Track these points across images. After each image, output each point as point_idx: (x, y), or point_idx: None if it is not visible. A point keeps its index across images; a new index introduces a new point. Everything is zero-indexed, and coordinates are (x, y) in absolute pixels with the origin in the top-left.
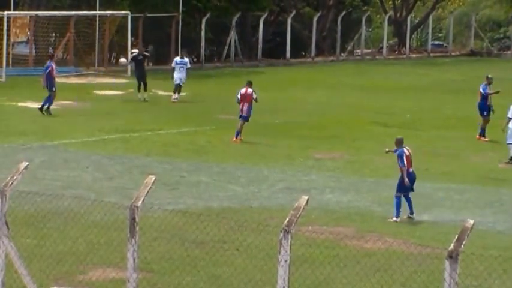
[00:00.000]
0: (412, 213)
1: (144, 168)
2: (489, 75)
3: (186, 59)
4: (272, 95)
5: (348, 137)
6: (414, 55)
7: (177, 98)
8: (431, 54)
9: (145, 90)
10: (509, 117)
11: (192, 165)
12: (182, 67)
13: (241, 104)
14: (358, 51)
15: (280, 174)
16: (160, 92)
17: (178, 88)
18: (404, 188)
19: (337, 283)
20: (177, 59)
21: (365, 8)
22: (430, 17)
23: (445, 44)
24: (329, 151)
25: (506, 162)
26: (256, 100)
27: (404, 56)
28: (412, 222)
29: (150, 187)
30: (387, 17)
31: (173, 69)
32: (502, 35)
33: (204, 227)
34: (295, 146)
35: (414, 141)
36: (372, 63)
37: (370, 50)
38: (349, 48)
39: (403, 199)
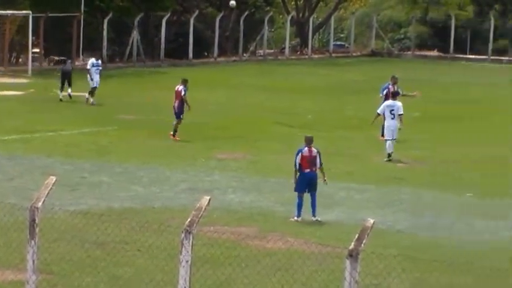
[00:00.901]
0: (313, 215)
1: (45, 168)
2: (395, 75)
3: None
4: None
5: (250, 138)
6: (316, 55)
7: (93, 102)
8: (333, 55)
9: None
10: (378, 113)
11: (94, 166)
12: (98, 69)
13: (174, 101)
14: (260, 51)
15: (182, 175)
16: (63, 93)
17: (94, 91)
18: (300, 188)
19: (238, 283)
20: (93, 60)
21: (268, 8)
22: (332, 18)
23: (346, 45)
24: (232, 151)
25: (386, 160)
26: (185, 99)
27: (307, 56)
28: (314, 222)
29: (51, 188)
30: (289, 18)
31: (89, 71)
32: (402, 36)
33: (105, 228)
34: (198, 146)
35: (316, 141)
36: (274, 64)
37: (272, 51)
38: (251, 48)
39: (309, 199)
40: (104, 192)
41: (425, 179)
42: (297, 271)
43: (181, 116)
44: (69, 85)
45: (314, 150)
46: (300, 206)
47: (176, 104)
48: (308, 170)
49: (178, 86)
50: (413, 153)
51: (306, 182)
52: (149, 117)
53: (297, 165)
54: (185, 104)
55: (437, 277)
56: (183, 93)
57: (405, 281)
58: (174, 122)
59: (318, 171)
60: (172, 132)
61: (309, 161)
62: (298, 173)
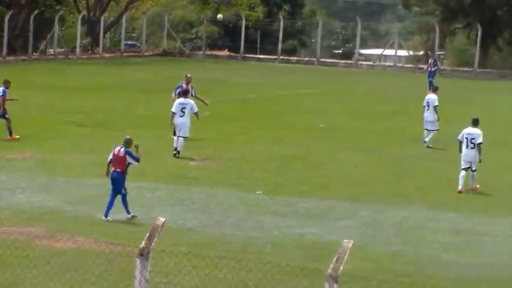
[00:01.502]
0: (106, 215)
1: None
2: (188, 74)
3: None
4: None
5: (40, 137)
6: (108, 55)
7: None
8: (125, 54)
9: None
10: (173, 112)
11: None
12: None
13: None
14: (51, 50)
15: None
16: None
17: None
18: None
19: (26, 284)
20: None
21: (58, 7)
22: (124, 17)
23: (138, 44)
24: (21, 151)
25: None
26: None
27: (98, 55)
28: (105, 221)
29: None
30: (80, 17)
31: None
32: (194, 36)
33: None
34: None
35: (107, 140)
36: (65, 63)
37: (63, 50)
38: (41, 47)
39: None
40: None
41: (216, 177)
42: (87, 271)
43: (6, 116)
44: None
45: (122, 151)
46: (109, 204)
47: None
48: (112, 169)
49: None
50: (204, 151)
51: (112, 182)
52: None
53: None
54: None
55: (226, 273)
56: (1, 93)
57: (195, 278)
58: (5, 123)
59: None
60: (9, 135)
61: (115, 161)
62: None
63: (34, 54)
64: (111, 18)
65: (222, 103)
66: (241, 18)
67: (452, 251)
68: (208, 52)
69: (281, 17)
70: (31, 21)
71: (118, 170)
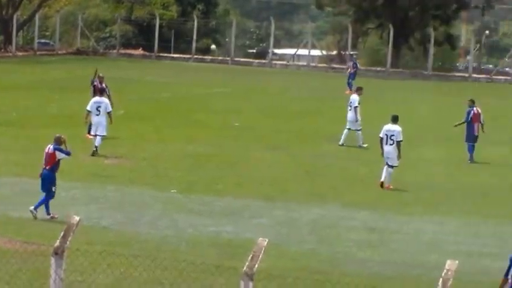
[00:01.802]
0: (35, 208)
1: None
2: (100, 74)
3: None
4: None
5: None
6: (20, 53)
7: None
8: (38, 53)
9: None
10: (88, 110)
11: None
12: None
13: None
14: None
15: None
16: None
17: None
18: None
19: None
20: None
21: None
22: (37, 16)
23: (51, 43)
24: None
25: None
26: None
27: (11, 54)
28: (21, 220)
29: None
30: None
31: None
32: (108, 34)
33: None
34: None
35: (21, 140)
36: None
37: None
38: None
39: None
40: None
41: (130, 176)
42: (0, 269)
43: None
44: None
45: (51, 148)
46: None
47: None
48: (43, 167)
49: None
50: (119, 150)
51: (41, 180)
52: None
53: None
54: None
55: (141, 272)
56: None
57: (110, 276)
58: None
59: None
60: None
61: (46, 159)
62: None
63: None
64: (24, 17)
65: (136, 102)
66: (155, 17)
67: (366, 249)
68: (122, 51)
69: (195, 16)
70: None
71: (47, 167)
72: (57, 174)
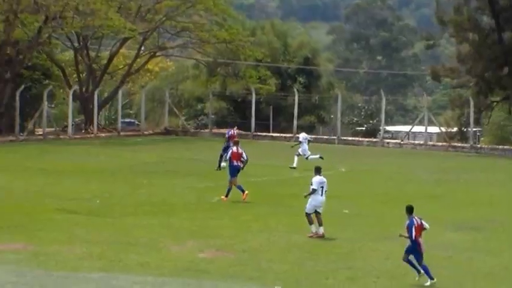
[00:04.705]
0: None
1: None
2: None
3: None
4: None
5: (31, 227)
6: (103, 134)
7: None
8: (122, 133)
9: None
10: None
11: None
12: None
13: None
14: (40, 130)
15: None
16: None
17: None
18: None
19: None
20: None
21: (47, 82)
22: (120, 92)
23: (136, 122)
24: (10, 242)
25: None
26: None
27: (92, 135)
28: None
29: None
30: (72, 92)
31: None
32: (199, 112)
33: None
34: None
35: (106, 229)
36: (55, 144)
37: (53, 129)
38: (29, 127)
39: None
40: None
41: (230, 271)
42: None
43: None
44: None
45: None
46: None
47: None
48: None
49: None
50: (216, 241)
51: None
52: None
53: None
54: None
55: None
56: None
57: None
58: None
59: None
60: None
61: None
62: None
63: (21, 134)
64: (106, 94)
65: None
66: (251, 92)
67: None
68: (216, 130)
69: (296, 90)
70: (17, 98)
71: None
72: (146, 269)
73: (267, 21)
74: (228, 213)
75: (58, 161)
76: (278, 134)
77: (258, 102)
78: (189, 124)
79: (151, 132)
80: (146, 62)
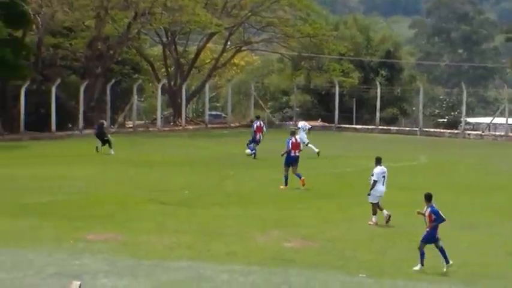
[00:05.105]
0: None
1: None
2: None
3: None
4: (36, 171)
5: (121, 217)
6: (191, 126)
7: None
8: (209, 126)
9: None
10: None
11: None
12: None
13: None
14: (130, 123)
15: (48, 258)
16: None
17: None
18: None
19: None
20: None
21: (136, 76)
22: (207, 86)
23: (223, 115)
24: (101, 232)
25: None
26: None
27: (181, 127)
28: None
29: None
30: (160, 86)
31: None
32: (284, 105)
33: None
34: (64, 227)
35: (194, 219)
36: (145, 136)
37: (143, 122)
38: (120, 119)
39: None
40: None
41: (314, 260)
42: None
43: None
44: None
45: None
46: None
47: None
48: None
49: None
50: (300, 231)
51: None
52: (9, 196)
53: None
54: None
55: None
56: None
57: None
58: None
59: None
60: None
61: None
62: None
63: (112, 127)
64: (193, 87)
65: (315, 178)
66: (335, 85)
67: None
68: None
69: (378, 83)
70: (108, 92)
71: None
72: (234, 258)
73: (349, 16)
74: (312, 204)
75: (148, 153)
76: (361, 126)
77: (341, 95)
78: (274, 117)
79: (237, 124)
80: (232, 57)
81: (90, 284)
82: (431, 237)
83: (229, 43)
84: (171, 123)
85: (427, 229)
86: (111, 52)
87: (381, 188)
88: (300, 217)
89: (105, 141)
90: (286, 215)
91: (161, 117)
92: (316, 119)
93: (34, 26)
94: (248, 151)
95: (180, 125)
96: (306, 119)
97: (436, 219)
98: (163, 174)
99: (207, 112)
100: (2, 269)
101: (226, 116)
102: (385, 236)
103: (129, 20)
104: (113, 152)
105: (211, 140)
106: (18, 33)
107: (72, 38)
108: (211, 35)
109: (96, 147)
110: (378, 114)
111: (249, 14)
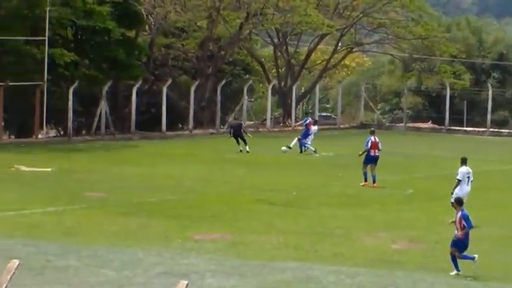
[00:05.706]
0: None
1: (7, 252)
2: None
3: None
4: (146, 170)
5: (229, 217)
6: (301, 127)
7: None
8: (319, 127)
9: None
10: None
11: (59, 248)
12: None
13: None
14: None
15: (156, 257)
16: (23, 168)
17: None
18: None
19: None
20: None
21: (247, 76)
22: (317, 87)
23: (333, 116)
24: (209, 232)
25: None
26: None
27: (290, 128)
28: None
29: (13, 273)
30: (271, 87)
31: None
32: (394, 106)
33: None
34: (173, 226)
35: (302, 220)
36: (254, 136)
37: (253, 122)
38: (230, 120)
39: None
40: (70, 277)
41: (422, 262)
42: None
43: None
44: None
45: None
46: None
47: None
48: None
49: None
50: (408, 233)
51: None
52: (119, 195)
53: None
54: None
55: None
56: None
57: None
58: None
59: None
60: None
61: None
62: None
63: (222, 127)
64: (303, 88)
65: (424, 180)
66: (446, 87)
67: None
68: (410, 124)
69: (490, 85)
70: (218, 92)
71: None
72: (340, 259)
73: (462, 18)
74: (420, 206)
75: (257, 153)
76: (471, 128)
77: (452, 97)
78: (384, 118)
79: (347, 126)
80: (343, 58)
81: (198, 283)
82: (462, 245)
83: (340, 44)
84: (281, 124)
85: (459, 236)
86: (223, 53)
87: (465, 188)
88: (407, 219)
89: (243, 140)
90: (393, 216)
91: (271, 118)
92: (426, 121)
93: (147, 26)
94: (308, 146)
95: (290, 126)
96: (416, 121)
97: (466, 224)
98: (272, 175)
99: (317, 113)
100: (111, 267)
101: (336, 117)
102: (493, 239)
103: (240, 21)
104: (248, 150)
105: (320, 141)
106: (131, 34)
107: (184, 39)
108: (323, 36)
109: (240, 150)
110: (489, 116)
111: (361, 15)
